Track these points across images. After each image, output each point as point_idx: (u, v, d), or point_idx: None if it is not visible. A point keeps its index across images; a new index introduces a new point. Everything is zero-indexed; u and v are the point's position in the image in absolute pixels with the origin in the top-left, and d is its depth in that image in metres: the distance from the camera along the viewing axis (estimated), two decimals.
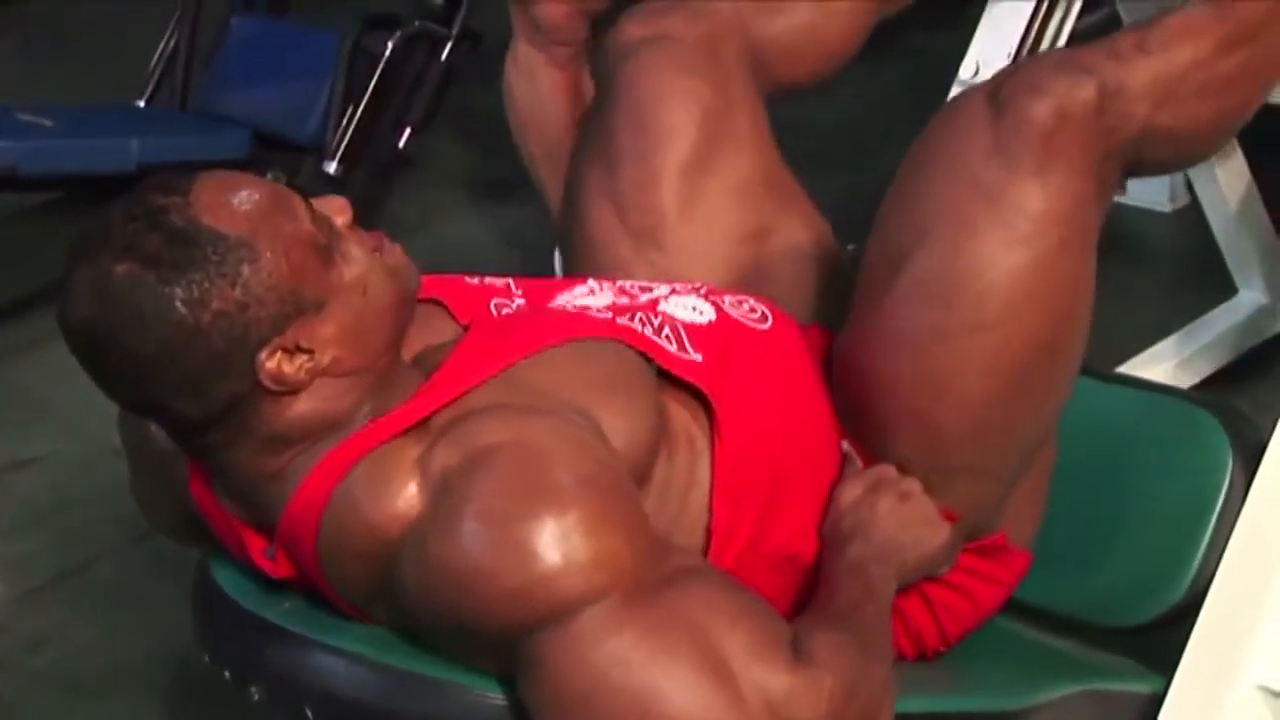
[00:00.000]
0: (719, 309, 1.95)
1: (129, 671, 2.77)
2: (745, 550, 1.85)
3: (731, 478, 1.85)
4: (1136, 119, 1.90)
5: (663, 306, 1.92)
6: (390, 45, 4.05)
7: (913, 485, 1.92)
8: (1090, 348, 1.99)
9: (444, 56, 4.09)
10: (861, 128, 3.90)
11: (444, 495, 1.66)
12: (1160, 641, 2.09)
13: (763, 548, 1.87)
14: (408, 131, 4.10)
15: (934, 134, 1.95)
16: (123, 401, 1.74)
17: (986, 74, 2.71)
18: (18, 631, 2.93)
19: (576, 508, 1.63)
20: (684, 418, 1.85)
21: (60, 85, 4.82)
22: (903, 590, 1.90)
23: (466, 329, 1.88)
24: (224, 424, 1.70)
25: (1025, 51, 2.71)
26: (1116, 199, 2.01)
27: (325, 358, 1.69)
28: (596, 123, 2.23)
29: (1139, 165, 1.96)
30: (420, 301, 1.88)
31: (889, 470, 1.93)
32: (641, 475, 1.77)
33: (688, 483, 1.84)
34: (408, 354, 1.83)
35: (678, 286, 1.97)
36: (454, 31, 4.08)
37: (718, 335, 1.91)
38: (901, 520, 1.90)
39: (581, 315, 1.92)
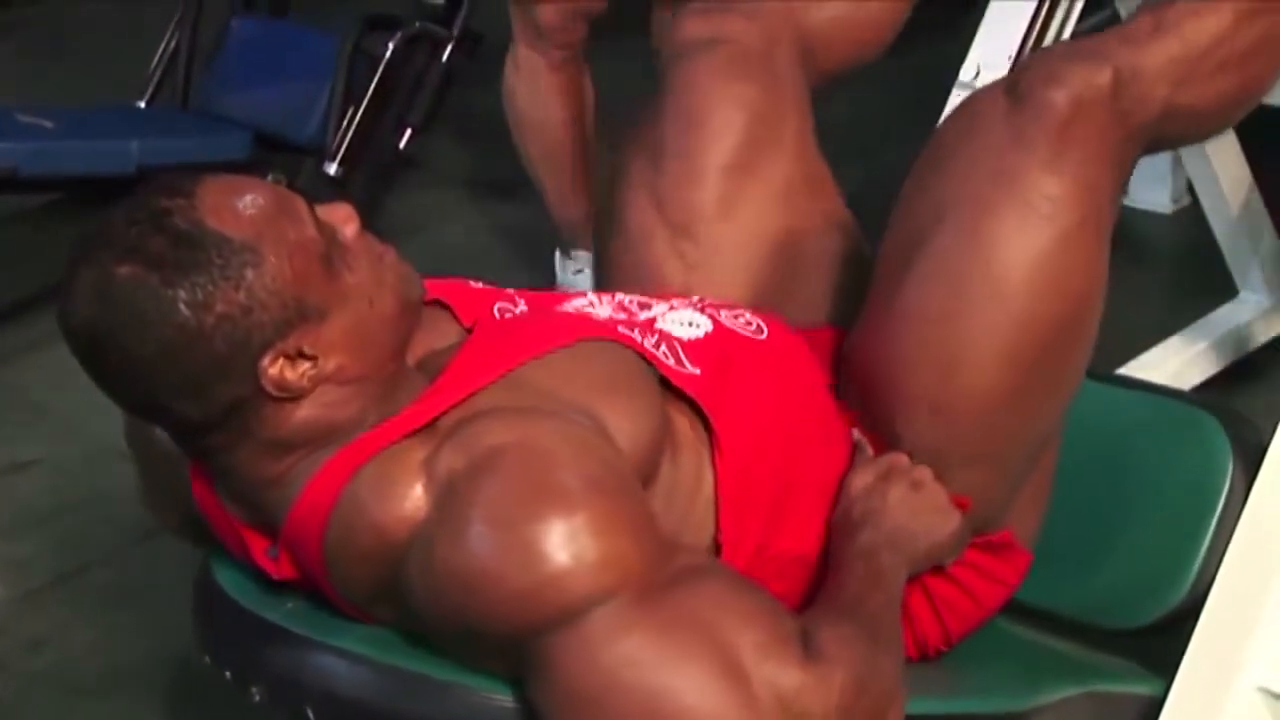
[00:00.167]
0: (715, 320, 1.94)
1: (128, 673, 2.77)
2: (753, 556, 1.85)
3: (735, 488, 1.84)
4: (1155, 102, 1.90)
5: (659, 324, 1.91)
6: (391, 46, 4.06)
7: (924, 473, 1.91)
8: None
9: (444, 58, 4.09)
10: (862, 129, 3.90)
11: (450, 498, 1.66)
12: (1161, 643, 2.09)
13: (769, 552, 1.87)
14: (408, 133, 4.10)
15: (951, 127, 1.97)
16: (123, 403, 1.73)
17: (987, 76, 2.71)
18: (17, 633, 2.93)
19: (583, 509, 1.63)
20: (685, 426, 1.85)
21: (60, 87, 4.83)
22: (911, 580, 1.90)
23: (470, 331, 1.88)
24: (225, 427, 1.70)
25: (1026, 53, 2.71)
26: None
27: (329, 365, 1.69)
28: (647, 117, 2.23)
29: (1160, 142, 1.98)
30: (425, 304, 1.87)
31: (901, 458, 1.92)
32: (647, 474, 1.77)
33: (694, 488, 1.83)
34: (412, 357, 1.82)
35: (674, 302, 1.97)
36: (454, 33, 4.09)
37: (715, 347, 1.91)
38: (913, 508, 1.89)
39: (584, 318, 1.92)
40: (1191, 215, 3.29)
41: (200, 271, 1.62)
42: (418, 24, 4.11)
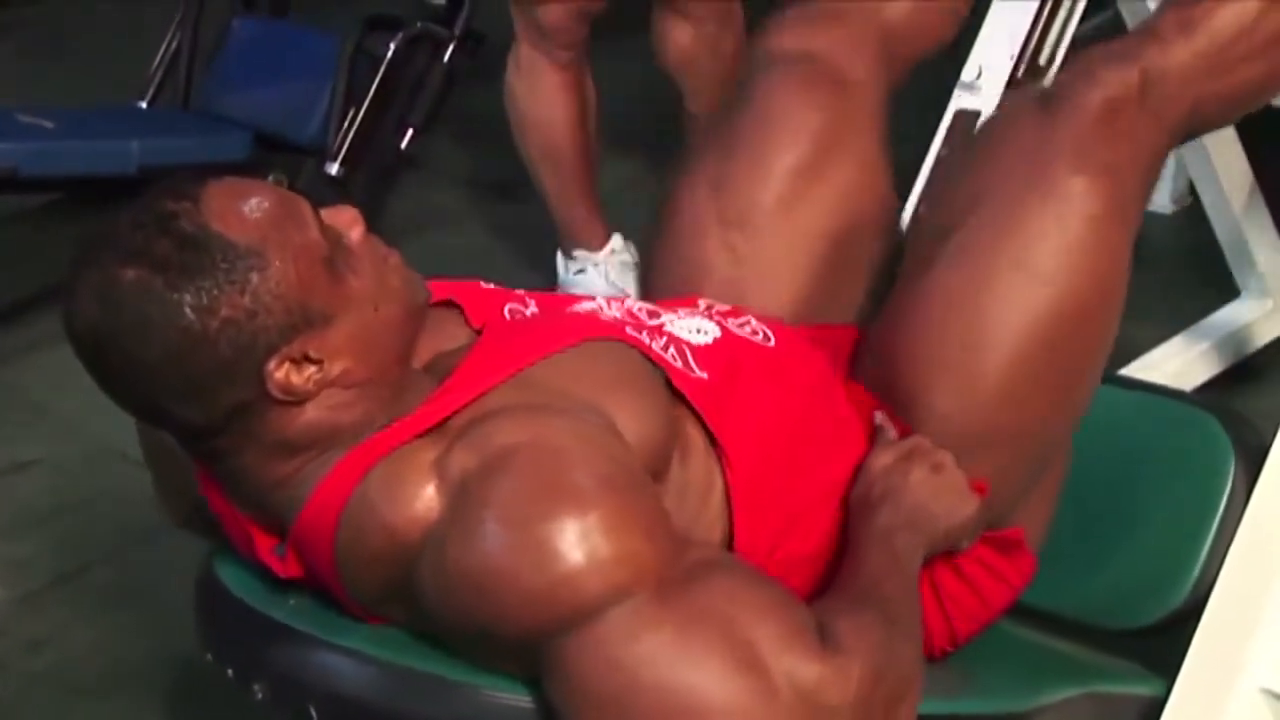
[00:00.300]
0: (723, 327, 1.95)
1: (128, 673, 2.77)
2: (765, 558, 1.85)
3: (747, 493, 1.84)
4: (1185, 99, 1.99)
5: (668, 329, 1.91)
6: (392, 47, 4.06)
7: (945, 456, 1.92)
8: None
9: (446, 58, 4.09)
10: None
11: (463, 498, 1.65)
12: (1162, 644, 2.09)
13: (780, 554, 1.87)
14: (410, 133, 4.10)
15: (986, 128, 2.06)
16: (127, 407, 1.73)
17: (989, 76, 2.71)
18: (17, 633, 2.93)
19: (596, 508, 1.62)
20: (694, 430, 1.85)
21: (60, 87, 4.83)
22: (923, 569, 1.90)
23: (479, 333, 1.88)
24: (230, 431, 1.70)
25: (1028, 54, 2.71)
26: None
27: (334, 369, 1.68)
28: (722, 115, 2.25)
29: (1195, 130, 2.08)
30: (435, 304, 1.88)
31: (922, 440, 1.94)
32: (655, 471, 1.77)
33: (705, 491, 1.83)
34: (421, 358, 1.82)
35: (682, 310, 1.97)
36: (456, 33, 4.09)
37: (723, 353, 1.91)
38: (933, 489, 1.90)
39: (591, 318, 1.92)
40: (1193, 215, 3.29)
41: (205, 275, 1.62)
42: (419, 24, 4.11)
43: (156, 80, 4.37)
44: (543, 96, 3.50)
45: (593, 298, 2.00)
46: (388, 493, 1.68)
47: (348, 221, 1.72)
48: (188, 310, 1.61)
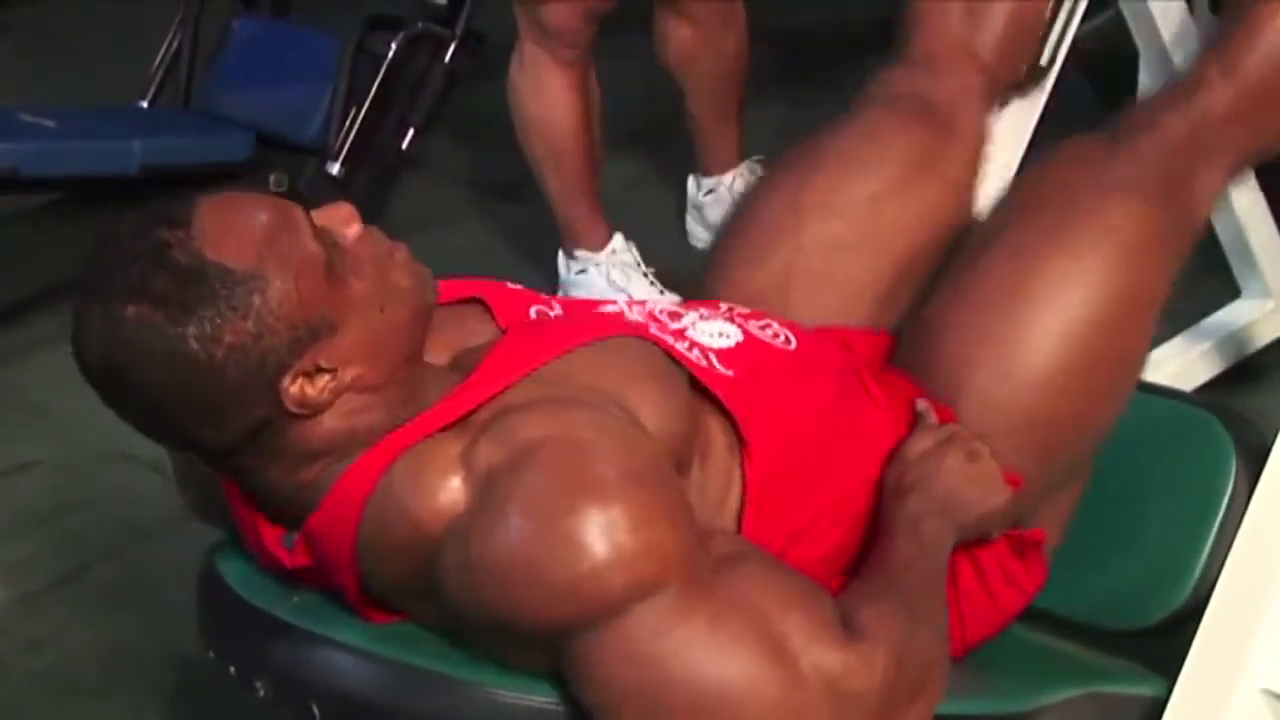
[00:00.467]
0: (745, 330, 1.95)
1: (128, 673, 2.77)
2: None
3: (760, 495, 1.84)
4: (1235, 137, 2.12)
5: (690, 333, 1.92)
6: (393, 46, 4.06)
7: (981, 445, 1.94)
8: None
9: (447, 58, 4.09)
10: None
11: (489, 491, 1.65)
12: (1163, 645, 2.09)
13: (789, 558, 1.86)
14: (411, 133, 4.11)
15: (1051, 152, 2.16)
16: (150, 435, 1.74)
17: None
18: (17, 634, 2.93)
19: (622, 501, 1.63)
20: (717, 431, 1.85)
21: (60, 87, 4.83)
22: (951, 559, 1.91)
23: (504, 332, 1.88)
24: (252, 448, 1.70)
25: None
26: None
27: (347, 376, 1.69)
28: (822, 130, 2.27)
29: (1253, 160, 2.22)
30: (463, 301, 1.90)
31: (959, 428, 1.96)
32: (678, 466, 1.77)
33: (723, 493, 1.84)
34: (446, 353, 1.83)
35: (704, 311, 1.98)
36: (457, 33, 4.09)
37: (746, 355, 1.92)
38: (966, 476, 1.92)
39: (615, 318, 1.93)
40: None
41: (206, 306, 1.62)
42: (420, 24, 4.11)
43: (157, 80, 4.37)
44: (546, 96, 3.49)
45: (615, 301, 2.01)
46: (413, 485, 1.68)
47: (344, 219, 1.72)
48: (193, 343, 1.62)
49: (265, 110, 4.21)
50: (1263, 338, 2.99)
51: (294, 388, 1.66)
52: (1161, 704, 2.02)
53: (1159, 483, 2.17)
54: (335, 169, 4.04)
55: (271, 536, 1.78)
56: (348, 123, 4.06)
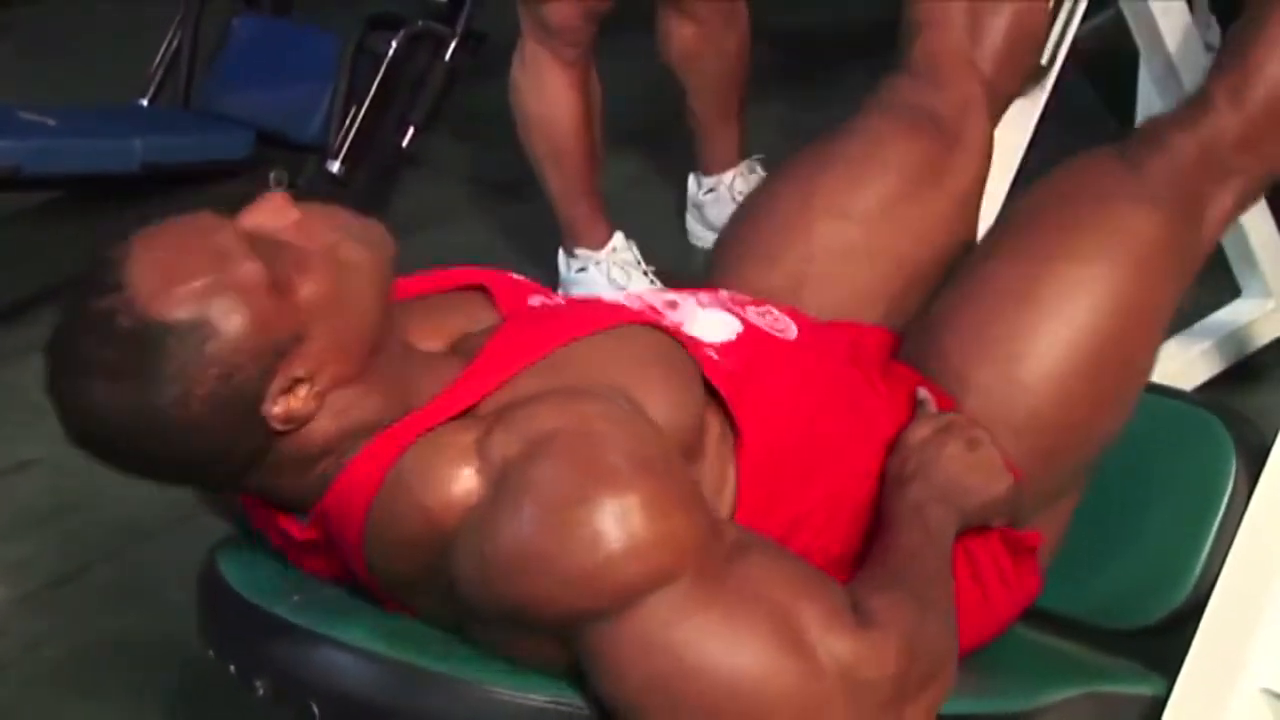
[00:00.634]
0: (744, 320, 1.95)
1: (128, 673, 2.77)
2: None
3: (756, 483, 1.84)
4: (1243, 159, 2.12)
5: (687, 327, 1.91)
6: (394, 45, 4.06)
7: (982, 433, 1.94)
8: None
9: (447, 56, 4.09)
10: None
11: (504, 483, 1.65)
12: (1163, 644, 2.09)
13: (788, 547, 1.86)
14: (411, 131, 4.11)
15: (1063, 164, 2.15)
16: (160, 483, 1.74)
17: None
18: (17, 633, 2.93)
19: (637, 491, 1.63)
20: (714, 424, 1.84)
21: (60, 87, 4.82)
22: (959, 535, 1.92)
23: (506, 318, 1.88)
24: (255, 470, 1.70)
25: None
26: None
27: (326, 377, 1.68)
28: (823, 138, 2.27)
29: (1267, 180, 2.20)
30: (464, 288, 1.90)
31: (960, 416, 1.96)
32: (688, 453, 1.77)
33: (719, 486, 1.83)
34: (447, 339, 1.83)
35: (702, 298, 1.98)
36: (457, 31, 4.09)
37: (744, 347, 1.91)
38: (967, 464, 1.92)
39: (618, 305, 1.93)
40: None
41: (165, 368, 1.61)
42: (420, 22, 4.11)
43: (158, 79, 4.37)
44: (548, 94, 3.49)
45: (617, 294, 2.01)
46: (425, 476, 1.68)
47: (275, 213, 1.70)
48: (165, 407, 1.62)
49: (266, 108, 4.21)
50: (1263, 337, 2.99)
51: (277, 409, 1.65)
52: (1161, 703, 2.02)
53: (1159, 482, 2.18)
54: (335, 167, 4.04)
55: (284, 516, 1.78)
56: (348, 121, 4.06)
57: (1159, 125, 2.15)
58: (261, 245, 1.66)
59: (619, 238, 3.63)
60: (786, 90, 4.27)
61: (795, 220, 2.17)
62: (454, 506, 1.67)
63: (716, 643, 1.63)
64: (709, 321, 1.93)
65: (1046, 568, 2.07)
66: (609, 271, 3.59)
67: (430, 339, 1.83)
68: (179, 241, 1.66)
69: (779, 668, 1.64)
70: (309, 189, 4.10)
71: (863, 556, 1.88)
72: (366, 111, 4.06)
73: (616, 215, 3.64)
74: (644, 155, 4.19)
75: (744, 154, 3.82)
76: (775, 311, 2.00)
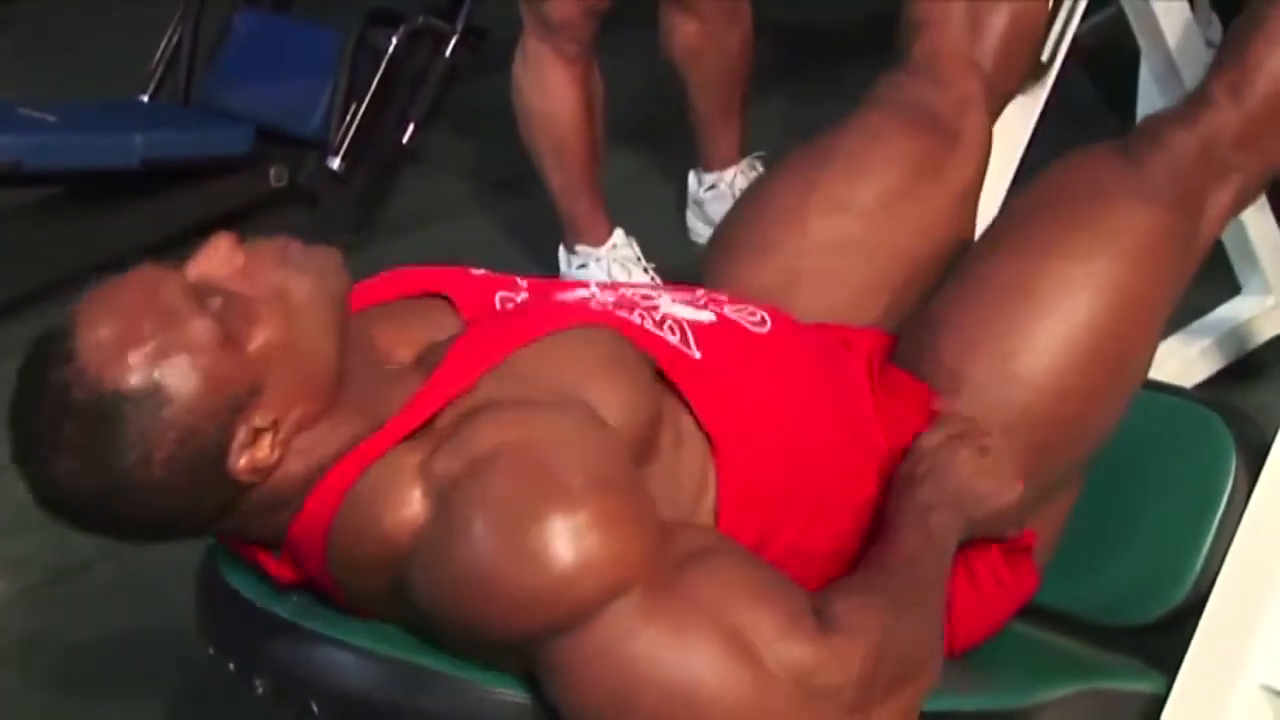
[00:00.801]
0: (719, 314, 1.94)
1: (128, 670, 2.77)
2: (751, 549, 1.84)
3: (736, 484, 1.83)
4: (1242, 156, 2.11)
5: (664, 310, 1.91)
6: (394, 41, 4.06)
7: (994, 441, 1.94)
8: None
9: (448, 52, 4.09)
10: None
11: (449, 503, 1.65)
12: (1163, 641, 2.09)
13: (767, 550, 1.86)
14: (411, 127, 4.10)
15: (1062, 159, 2.15)
16: (136, 544, 1.75)
17: None
18: (16, 630, 2.94)
19: (584, 507, 1.62)
20: (689, 422, 1.83)
21: (60, 83, 4.82)
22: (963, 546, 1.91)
23: (466, 325, 1.87)
24: (229, 517, 1.70)
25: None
26: None
27: (288, 422, 1.67)
28: (827, 131, 2.27)
29: (1267, 177, 2.18)
30: (425, 296, 1.88)
31: (974, 422, 1.95)
32: (641, 452, 1.76)
33: (700, 483, 1.82)
34: (412, 349, 1.82)
35: (676, 295, 1.97)
36: (458, 27, 4.09)
37: (718, 335, 1.91)
38: (978, 469, 1.91)
39: (579, 305, 1.91)
40: None
41: (123, 438, 1.60)
42: (421, 18, 4.11)
43: (158, 75, 4.37)
44: (549, 90, 3.49)
45: (586, 284, 2.00)
46: (376, 498, 1.67)
47: (222, 262, 1.68)
48: (128, 476, 1.61)
49: (266, 105, 4.22)
50: (1263, 334, 2.99)
51: (241, 462, 1.65)
52: (1161, 700, 2.02)
53: (1159, 479, 2.17)
54: (336, 163, 4.04)
55: (261, 553, 1.78)
56: (348, 117, 4.06)
57: (1158, 122, 2.15)
58: (210, 296, 1.65)
59: (619, 234, 3.63)
60: (787, 86, 4.27)
61: (792, 214, 2.16)
62: (404, 527, 1.66)
63: (668, 653, 1.63)
64: (682, 309, 1.92)
65: (1045, 564, 2.07)
66: (609, 268, 3.59)
67: (398, 349, 1.82)
68: (126, 304, 1.64)
69: (730, 677, 1.63)
70: (310, 185, 4.11)
71: (860, 554, 1.88)
72: (367, 107, 4.06)
73: (617, 211, 3.64)
74: (645, 152, 4.19)
75: (745, 151, 3.82)
76: (751, 306, 1.99)
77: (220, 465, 1.64)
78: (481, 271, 1.96)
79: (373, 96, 4.06)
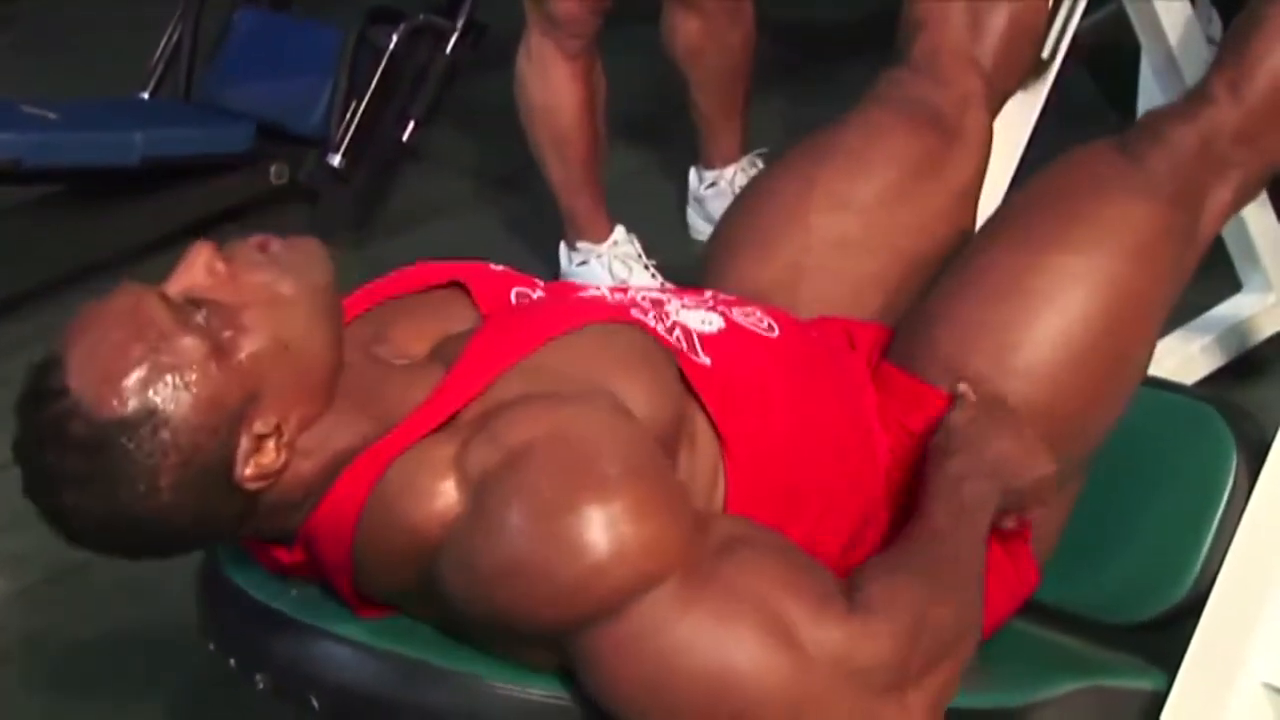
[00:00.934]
0: (727, 319, 1.94)
1: (128, 667, 2.77)
2: None
3: (743, 485, 1.84)
4: (1242, 153, 2.11)
5: (674, 316, 1.91)
6: (394, 38, 4.05)
7: (1021, 419, 1.94)
8: None
9: (448, 49, 4.09)
10: None
11: (485, 494, 1.65)
12: (1164, 639, 2.09)
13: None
14: (412, 124, 4.10)
15: (1064, 155, 2.14)
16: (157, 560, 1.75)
17: None
18: (16, 628, 2.94)
19: (620, 496, 1.63)
20: (702, 422, 1.84)
21: (60, 82, 4.81)
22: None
23: (485, 319, 1.87)
24: (245, 525, 1.71)
25: None
26: None
27: (291, 424, 1.66)
28: (828, 128, 2.27)
29: (1267, 174, 2.18)
30: (443, 285, 1.89)
31: (1003, 399, 1.95)
32: (668, 449, 1.77)
33: (711, 483, 1.83)
34: (427, 342, 1.82)
35: (687, 300, 1.97)
36: (458, 24, 4.08)
37: (727, 343, 1.91)
38: (1017, 440, 1.91)
39: (598, 302, 1.92)
40: None
41: (126, 466, 1.60)
42: (421, 16, 4.11)
43: (158, 72, 4.37)
44: (552, 86, 3.49)
45: (599, 287, 2.00)
46: (407, 491, 1.67)
47: (202, 272, 1.67)
48: (137, 503, 1.62)
49: (266, 102, 4.22)
50: (1264, 331, 2.99)
51: (248, 470, 1.64)
52: (1162, 698, 2.02)
53: (1160, 476, 2.17)
54: (336, 160, 4.03)
55: (273, 547, 1.77)
56: (349, 115, 4.06)
57: (1159, 118, 2.14)
58: (194, 309, 1.64)
59: (620, 231, 3.63)
60: (788, 84, 4.27)
61: (794, 211, 2.16)
62: (437, 521, 1.66)
63: (706, 642, 1.63)
64: (691, 316, 1.93)
65: (1046, 561, 2.07)
66: (610, 265, 3.59)
67: (412, 342, 1.82)
68: (112, 328, 1.63)
69: (769, 663, 1.64)
70: (310, 182, 4.11)
71: (875, 549, 1.88)
72: (367, 105, 4.05)
73: (618, 208, 3.64)
74: (646, 148, 4.19)
75: (746, 149, 3.82)
76: (759, 313, 1.99)
77: (228, 477, 1.64)
78: (502, 268, 1.96)
79: (373, 94, 4.05)
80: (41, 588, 3.00)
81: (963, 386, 1.98)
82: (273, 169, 4.15)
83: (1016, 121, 2.59)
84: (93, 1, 5.39)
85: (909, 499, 1.92)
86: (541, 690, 1.72)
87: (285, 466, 1.66)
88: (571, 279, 3.58)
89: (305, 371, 1.67)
